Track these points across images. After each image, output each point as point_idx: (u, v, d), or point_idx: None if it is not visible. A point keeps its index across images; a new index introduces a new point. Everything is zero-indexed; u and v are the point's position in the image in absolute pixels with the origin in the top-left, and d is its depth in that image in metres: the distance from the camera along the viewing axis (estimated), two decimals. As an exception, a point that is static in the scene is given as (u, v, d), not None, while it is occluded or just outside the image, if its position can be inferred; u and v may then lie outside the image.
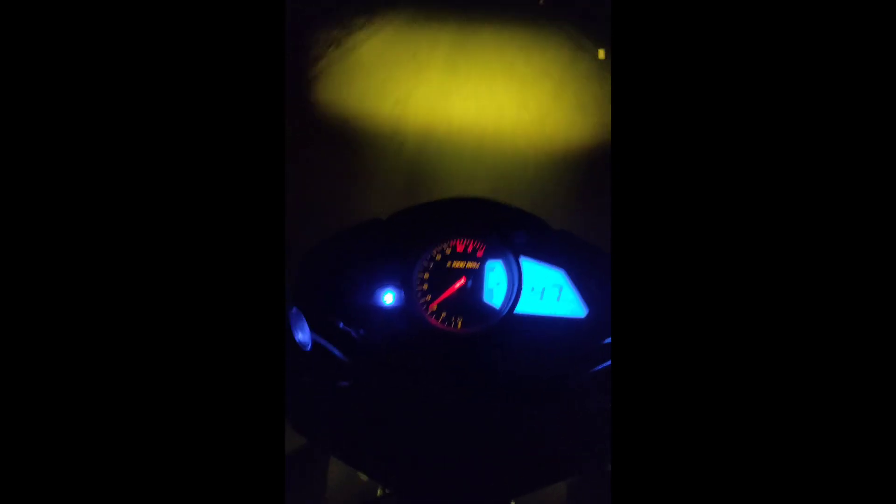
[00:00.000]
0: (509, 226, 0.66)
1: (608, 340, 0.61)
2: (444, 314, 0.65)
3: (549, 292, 0.66)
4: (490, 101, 3.41)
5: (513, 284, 0.65)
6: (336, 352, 0.52)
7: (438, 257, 0.67)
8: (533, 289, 0.66)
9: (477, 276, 0.66)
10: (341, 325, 0.60)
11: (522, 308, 0.65)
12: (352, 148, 2.66)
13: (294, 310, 0.51)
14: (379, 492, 0.74)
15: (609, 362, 0.58)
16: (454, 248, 0.67)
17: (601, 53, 3.93)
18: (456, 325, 0.65)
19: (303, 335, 0.53)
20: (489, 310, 0.66)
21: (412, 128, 2.95)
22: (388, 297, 0.66)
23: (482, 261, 0.66)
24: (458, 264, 0.67)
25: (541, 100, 3.58)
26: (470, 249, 0.67)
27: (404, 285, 0.65)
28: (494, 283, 0.66)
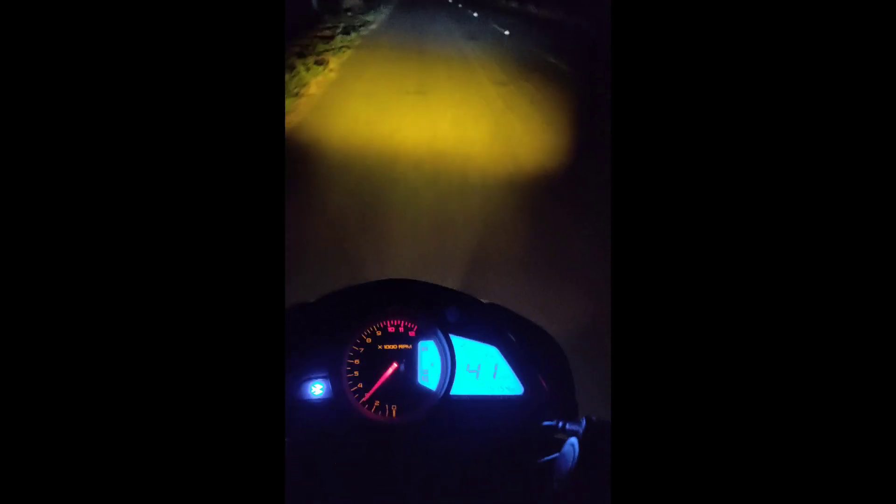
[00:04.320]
0: (440, 304, 0.63)
1: (549, 423, 0.58)
2: (377, 402, 0.62)
3: (484, 370, 0.63)
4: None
5: (446, 364, 0.62)
6: None
7: (369, 340, 0.63)
8: (468, 367, 0.63)
9: (410, 358, 0.63)
10: None
11: (458, 389, 0.62)
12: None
13: None
14: None
15: (556, 454, 0.53)
16: (385, 328, 0.64)
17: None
18: (391, 413, 0.62)
19: None
20: (425, 393, 0.62)
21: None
22: (317, 389, 0.62)
23: (414, 341, 0.63)
24: (390, 346, 0.63)
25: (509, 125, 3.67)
26: (402, 330, 0.64)
27: (333, 375, 0.61)
28: (428, 364, 0.63)
